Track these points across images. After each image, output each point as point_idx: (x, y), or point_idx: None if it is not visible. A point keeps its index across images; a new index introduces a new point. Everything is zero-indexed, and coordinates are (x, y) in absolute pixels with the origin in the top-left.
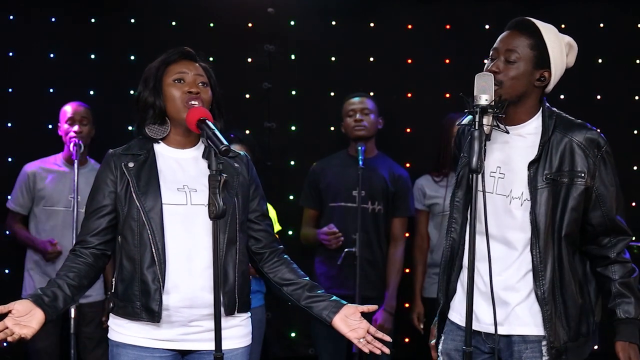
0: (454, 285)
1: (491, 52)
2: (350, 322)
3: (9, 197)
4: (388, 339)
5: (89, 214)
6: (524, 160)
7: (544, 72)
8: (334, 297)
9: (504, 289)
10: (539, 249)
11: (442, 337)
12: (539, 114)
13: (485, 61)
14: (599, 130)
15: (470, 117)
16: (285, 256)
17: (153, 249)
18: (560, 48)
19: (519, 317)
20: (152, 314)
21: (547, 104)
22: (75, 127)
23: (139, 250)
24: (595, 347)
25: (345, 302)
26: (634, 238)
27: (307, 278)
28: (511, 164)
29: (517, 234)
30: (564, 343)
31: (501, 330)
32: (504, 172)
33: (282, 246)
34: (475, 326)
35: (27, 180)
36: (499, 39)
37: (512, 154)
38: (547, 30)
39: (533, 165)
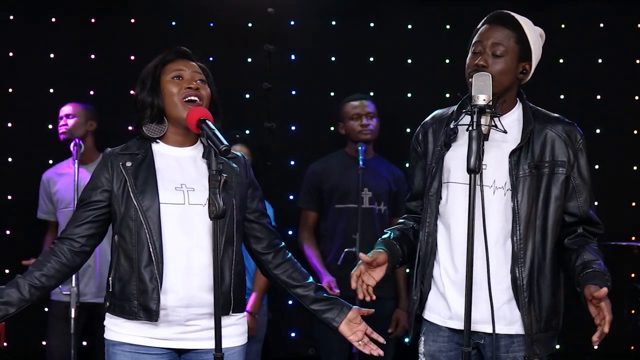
0: (428, 281)
1: (474, 47)
2: (353, 325)
3: (9, 197)
4: (382, 340)
5: (79, 206)
6: (506, 150)
7: (526, 65)
8: (338, 300)
9: (484, 282)
10: (519, 236)
11: (422, 338)
12: (518, 105)
13: (470, 56)
14: (575, 124)
15: (438, 112)
16: (289, 254)
17: (150, 248)
18: (538, 40)
19: (506, 315)
20: (150, 313)
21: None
22: (61, 122)
23: (136, 249)
24: (595, 347)
25: (350, 305)
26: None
27: (311, 278)
28: (493, 155)
29: (499, 224)
30: (535, 333)
31: (487, 329)
32: (485, 162)
33: (283, 243)
34: (457, 325)
35: (44, 187)
36: (481, 32)
37: (494, 144)
38: (526, 23)
39: (515, 153)
